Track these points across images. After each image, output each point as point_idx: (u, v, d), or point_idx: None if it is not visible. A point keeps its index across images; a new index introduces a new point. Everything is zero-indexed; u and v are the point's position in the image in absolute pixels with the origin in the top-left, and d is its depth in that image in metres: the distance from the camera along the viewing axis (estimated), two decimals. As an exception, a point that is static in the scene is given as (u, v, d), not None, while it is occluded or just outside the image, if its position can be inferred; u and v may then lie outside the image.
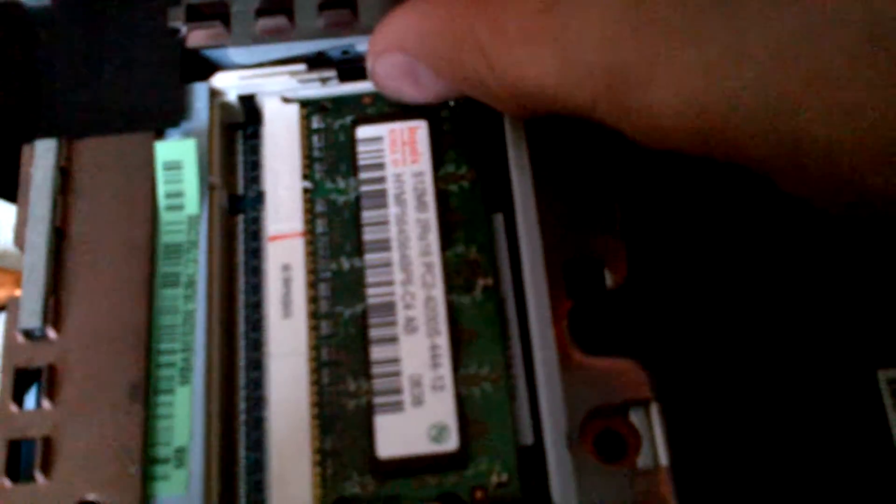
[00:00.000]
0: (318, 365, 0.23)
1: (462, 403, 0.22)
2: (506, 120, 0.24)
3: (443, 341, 0.23)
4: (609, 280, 0.22)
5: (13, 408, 0.21)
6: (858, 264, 0.24)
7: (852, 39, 0.17)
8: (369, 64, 0.24)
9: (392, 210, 0.24)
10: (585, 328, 0.22)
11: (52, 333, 0.22)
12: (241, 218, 0.25)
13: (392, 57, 0.23)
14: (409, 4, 0.23)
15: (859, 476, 0.22)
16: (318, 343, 0.23)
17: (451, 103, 0.25)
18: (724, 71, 0.18)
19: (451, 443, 0.22)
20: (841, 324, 0.23)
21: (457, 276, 0.24)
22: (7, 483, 0.21)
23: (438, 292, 0.23)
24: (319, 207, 0.25)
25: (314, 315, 0.23)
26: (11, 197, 0.25)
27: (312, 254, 0.24)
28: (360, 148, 0.25)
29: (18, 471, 0.21)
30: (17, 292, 0.23)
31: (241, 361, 0.23)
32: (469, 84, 0.22)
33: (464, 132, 0.25)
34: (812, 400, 0.23)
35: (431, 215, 0.24)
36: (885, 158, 0.18)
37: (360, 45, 0.26)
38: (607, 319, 0.22)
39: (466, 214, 0.24)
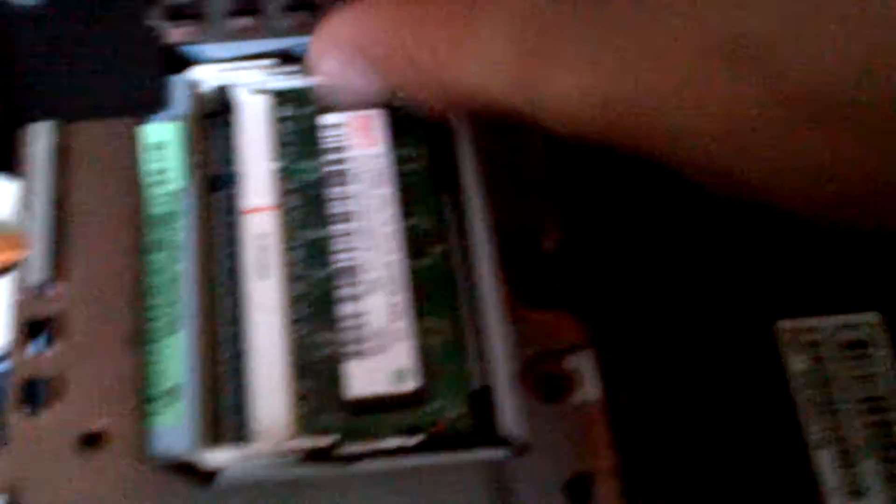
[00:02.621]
0: (293, 320, 0.26)
1: (420, 352, 0.25)
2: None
3: (401, 299, 0.26)
4: (546, 245, 0.26)
5: (25, 353, 0.24)
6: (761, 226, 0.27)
7: (707, 43, 0.19)
8: (312, 62, 0.26)
9: (353, 187, 0.28)
10: (527, 287, 0.26)
11: (55, 288, 0.25)
12: (216, 195, 0.28)
13: (331, 58, 0.26)
14: (347, 10, 0.26)
15: (758, 417, 0.26)
16: (292, 300, 0.26)
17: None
18: (608, 67, 0.20)
19: (410, 384, 0.25)
20: (744, 277, 0.27)
21: (412, 244, 0.27)
22: (22, 415, 0.23)
23: (396, 257, 0.27)
24: (289, 185, 0.28)
25: (288, 277, 0.27)
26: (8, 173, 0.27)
27: (284, 224, 0.27)
28: (324, 133, 0.28)
29: (33, 405, 0.24)
30: (17, 255, 0.25)
31: (218, 318, 0.26)
32: (404, 87, 0.25)
33: (415, 119, 0.29)
34: (718, 344, 0.26)
35: (388, 191, 0.27)
36: (736, 149, 0.20)
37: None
38: (545, 279, 0.26)
39: (419, 192, 0.28)
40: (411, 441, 0.24)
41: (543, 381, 0.25)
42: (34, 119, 0.27)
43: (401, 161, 0.28)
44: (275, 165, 0.28)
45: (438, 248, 0.27)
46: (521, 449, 0.23)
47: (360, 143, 0.28)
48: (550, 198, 0.27)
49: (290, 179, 0.28)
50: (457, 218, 0.28)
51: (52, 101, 0.28)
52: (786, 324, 0.27)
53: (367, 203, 0.27)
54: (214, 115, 0.29)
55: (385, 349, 0.25)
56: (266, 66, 0.29)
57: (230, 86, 0.29)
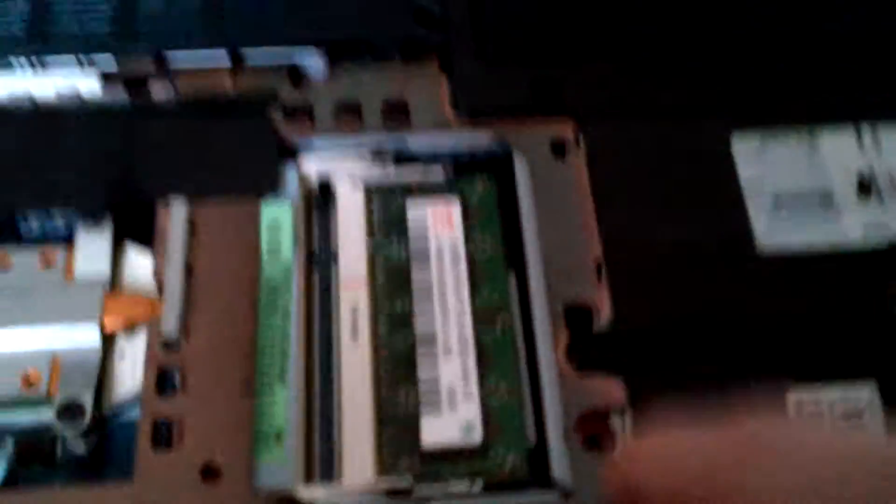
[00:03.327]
0: (378, 377, 0.31)
1: (485, 408, 0.30)
2: (520, 199, 0.33)
3: (471, 363, 0.31)
4: (599, 319, 0.31)
5: (155, 396, 0.29)
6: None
7: None
8: None
9: (434, 266, 0.32)
10: (580, 354, 0.30)
11: (184, 343, 0.30)
12: (317, 269, 0.33)
13: None
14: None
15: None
16: (378, 361, 0.31)
17: (479, 188, 0.34)
18: None
19: (477, 436, 0.29)
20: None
21: (482, 316, 0.31)
22: (151, 449, 0.28)
23: (468, 328, 0.31)
24: (379, 263, 0.33)
25: (375, 341, 0.31)
26: (144, 243, 0.32)
27: (374, 297, 0.32)
28: (410, 219, 0.33)
29: (160, 442, 0.28)
30: (153, 314, 0.30)
31: (316, 375, 0.31)
32: None
33: (488, 210, 0.34)
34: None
35: (463, 270, 0.32)
36: None
37: (411, 139, 0.34)
38: (598, 347, 0.30)
39: (489, 272, 0.32)
40: (476, 486, 0.29)
41: (590, 436, 0.29)
42: (163, 196, 0.32)
43: (474, 245, 0.33)
44: (367, 246, 0.33)
45: (504, 320, 0.32)
46: (568, 494, 0.28)
47: (439, 230, 0.33)
48: (602, 277, 0.31)
49: (379, 258, 0.33)
50: (519, 294, 0.32)
51: (179, 180, 0.33)
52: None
53: (444, 280, 0.32)
54: (318, 200, 0.34)
55: (456, 406, 0.30)
56: (363, 159, 0.34)
57: (331, 174, 0.34)
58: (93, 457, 0.30)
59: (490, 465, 0.29)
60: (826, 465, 0.18)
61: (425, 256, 0.33)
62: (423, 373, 0.31)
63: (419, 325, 0.31)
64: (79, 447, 0.30)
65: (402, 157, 0.35)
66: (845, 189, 0.33)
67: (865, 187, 0.33)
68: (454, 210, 0.33)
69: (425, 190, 0.34)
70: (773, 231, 0.32)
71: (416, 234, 0.33)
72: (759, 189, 0.33)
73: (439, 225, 0.33)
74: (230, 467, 0.28)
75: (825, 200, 0.33)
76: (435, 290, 0.32)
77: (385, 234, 0.33)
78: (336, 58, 0.36)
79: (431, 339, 0.31)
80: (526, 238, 0.32)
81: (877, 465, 0.18)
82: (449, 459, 0.29)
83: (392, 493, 0.28)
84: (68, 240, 0.33)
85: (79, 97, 0.35)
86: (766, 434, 0.20)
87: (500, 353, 0.31)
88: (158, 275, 0.31)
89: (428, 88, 0.36)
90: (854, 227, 0.33)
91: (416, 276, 0.32)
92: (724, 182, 0.33)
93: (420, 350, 0.31)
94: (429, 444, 0.29)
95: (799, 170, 0.34)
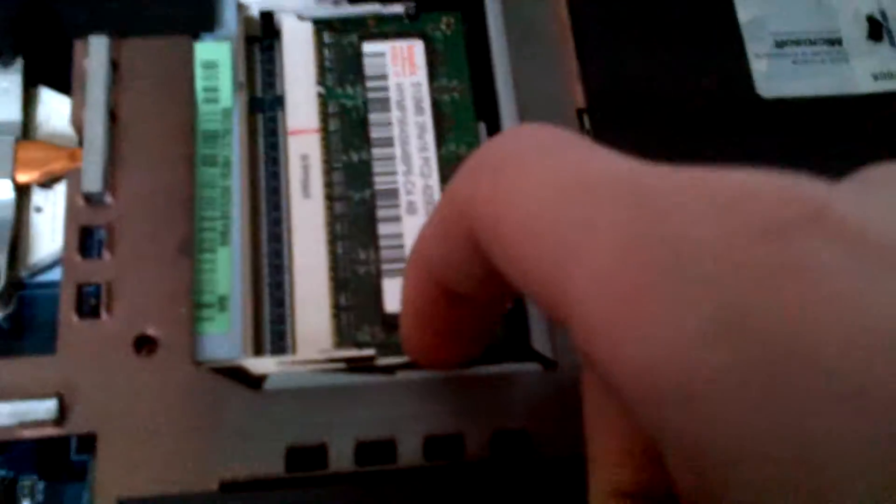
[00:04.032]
0: (334, 237, 0.27)
1: (454, 272, 0.27)
2: (491, 40, 0.29)
3: (438, 222, 0.27)
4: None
5: (79, 259, 0.25)
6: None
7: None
8: None
9: (394, 113, 0.29)
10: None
11: (108, 198, 0.26)
12: (259, 116, 0.29)
13: None
14: None
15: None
16: (333, 220, 0.27)
17: (444, 27, 0.30)
18: None
19: (446, 302, 0.26)
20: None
21: (449, 168, 0.28)
22: (76, 319, 0.24)
23: (434, 181, 0.28)
24: (332, 109, 0.29)
25: (329, 197, 0.28)
26: (61, 87, 0.28)
27: (326, 147, 0.28)
28: (366, 61, 0.29)
29: (86, 310, 0.25)
30: (73, 165, 0.26)
31: (264, 234, 0.27)
32: None
33: (455, 51, 0.30)
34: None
35: (427, 119, 0.28)
36: None
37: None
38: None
39: (457, 119, 0.29)
40: (445, 356, 0.25)
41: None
42: (85, 34, 0.28)
43: (439, 90, 0.29)
44: (318, 90, 0.29)
45: (474, 176, 0.28)
46: (549, 365, 0.25)
47: (400, 72, 0.29)
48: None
49: (332, 104, 0.29)
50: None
51: (103, 17, 0.29)
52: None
53: (406, 129, 0.28)
54: (255, 40, 0.30)
55: (422, 269, 0.26)
56: (311, -7, 0.30)
57: (275, 11, 0.30)
58: (12, 327, 0.26)
59: (461, 334, 0.26)
60: None
61: (384, 101, 0.29)
62: (383, 230, 0.27)
63: (379, 178, 0.28)
64: (-7, 314, 0.26)
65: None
66: (854, 33, 0.30)
67: (876, 31, 0.30)
68: (416, 49, 0.30)
69: (383, 25, 0.30)
70: (774, 76, 0.29)
71: (374, 75, 0.29)
72: (759, 32, 0.30)
73: (400, 66, 0.29)
74: (167, 338, 0.24)
75: (832, 45, 0.30)
76: (396, 140, 0.28)
77: (338, 75, 0.29)
78: None
79: (393, 194, 0.28)
80: (498, 83, 0.29)
81: None
82: (415, 327, 0.26)
83: (352, 364, 0.25)
84: (-28, 83, 0.28)
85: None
86: None
87: (470, 211, 0.28)
88: (77, 121, 0.27)
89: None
90: (863, 73, 0.29)
91: (375, 123, 0.28)
92: (721, 23, 0.30)
93: (380, 205, 0.27)
94: (392, 310, 0.26)
95: (804, 12, 0.30)
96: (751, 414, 0.13)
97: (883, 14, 0.30)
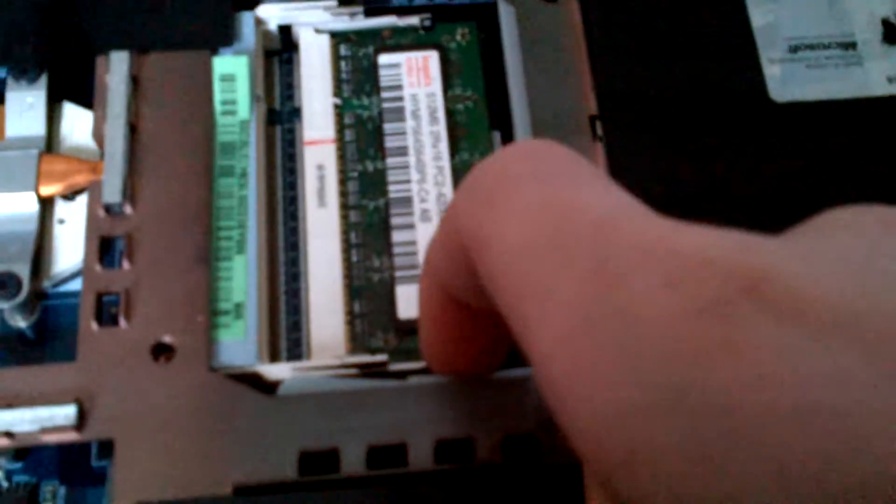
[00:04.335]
0: (349, 245, 0.27)
1: (468, 279, 0.27)
2: (505, 50, 0.29)
3: (452, 229, 0.27)
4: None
5: (99, 268, 0.26)
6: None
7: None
8: None
9: (409, 123, 0.29)
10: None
11: (128, 209, 0.26)
12: (277, 128, 0.30)
13: None
14: None
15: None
16: (348, 228, 0.28)
17: (459, 38, 0.30)
18: None
19: (459, 309, 0.26)
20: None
21: (463, 177, 0.28)
22: (95, 327, 0.25)
23: (448, 189, 0.28)
24: (347, 120, 0.29)
25: (344, 206, 0.28)
26: (84, 102, 0.29)
27: (342, 157, 0.29)
28: (382, 72, 0.30)
29: (104, 318, 0.25)
30: (94, 178, 0.27)
31: (280, 243, 0.28)
32: None
33: (470, 61, 0.30)
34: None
35: (442, 128, 0.29)
36: None
37: (384, -15, 0.30)
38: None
39: (470, 129, 0.29)
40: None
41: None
42: (111, 45, 0.28)
43: (453, 100, 0.29)
44: (334, 101, 0.29)
45: (488, 183, 0.28)
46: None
47: (415, 83, 0.29)
48: (595, 133, 0.28)
49: (347, 114, 0.29)
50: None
51: (124, 34, 0.29)
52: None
53: (420, 138, 0.29)
54: (274, 53, 0.31)
55: (435, 276, 0.27)
56: (328, 7, 0.30)
57: (292, 24, 0.30)
58: (36, 336, 0.27)
59: (474, 340, 0.26)
60: None
61: (399, 111, 0.29)
62: (397, 238, 0.27)
63: (393, 186, 0.28)
64: (18, 322, 0.27)
65: (374, 7, 0.31)
66: (869, 36, 0.30)
67: (891, 33, 0.30)
68: (431, 60, 0.30)
69: (399, 37, 0.30)
70: (788, 81, 0.29)
71: (389, 85, 0.30)
72: (773, 37, 0.30)
73: (415, 76, 0.30)
74: (184, 345, 0.25)
75: (846, 48, 0.30)
76: (411, 149, 0.29)
77: (354, 86, 0.30)
78: None
79: (407, 202, 0.28)
80: (512, 92, 0.29)
81: None
82: (428, 334, 0.26)
83: (366, 370, 0.25)
84: (-1, 98, 0.29)
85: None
86: None
87: (483, 218, 0.28)
88: (98, 134, 0.28)
89: (401, -73, 0.32)
90: (878, 76, 0.29)
91: (390, 132, 0.29)
92: (734, 28, 0.30)
93: (394, 213, 0.28)
94: (405, 317, 0.26)
95: (818, 16, 0.30)
96: (686, 487, 0.13)
97: (900, 17, 0.30)
